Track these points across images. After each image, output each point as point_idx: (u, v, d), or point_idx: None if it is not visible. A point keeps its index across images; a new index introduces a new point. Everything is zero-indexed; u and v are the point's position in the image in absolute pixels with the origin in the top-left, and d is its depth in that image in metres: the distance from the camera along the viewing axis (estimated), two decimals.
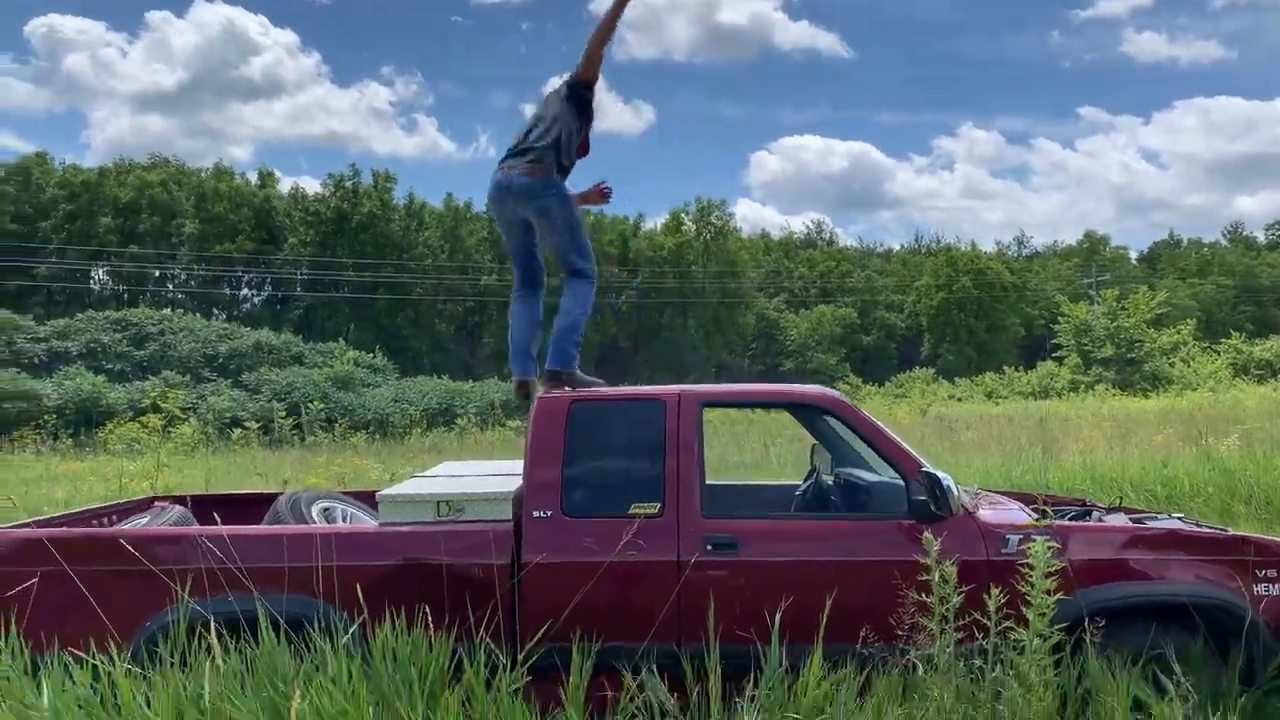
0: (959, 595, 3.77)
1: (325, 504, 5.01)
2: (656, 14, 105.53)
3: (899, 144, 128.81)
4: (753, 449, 15.72)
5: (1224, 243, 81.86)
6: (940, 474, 4.22)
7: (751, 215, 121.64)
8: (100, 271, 56.10)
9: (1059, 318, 51.78)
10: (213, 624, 3.67)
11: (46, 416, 24.74)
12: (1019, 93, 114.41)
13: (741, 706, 3.72)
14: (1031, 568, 3.86)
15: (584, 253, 5.29)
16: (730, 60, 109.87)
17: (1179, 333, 48.31)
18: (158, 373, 29.53)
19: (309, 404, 26.84)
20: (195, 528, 4.28)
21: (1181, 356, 46.06)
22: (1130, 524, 4.64)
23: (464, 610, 4.10)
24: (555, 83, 5.55)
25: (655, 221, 66.74)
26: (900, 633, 3.96)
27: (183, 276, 57.60)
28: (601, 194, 5.89)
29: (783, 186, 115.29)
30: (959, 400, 41.41)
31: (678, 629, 4.18)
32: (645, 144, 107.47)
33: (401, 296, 53.78)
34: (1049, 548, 3.88)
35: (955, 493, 4.21)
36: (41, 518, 4.83)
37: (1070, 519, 4.92)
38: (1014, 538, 4.30)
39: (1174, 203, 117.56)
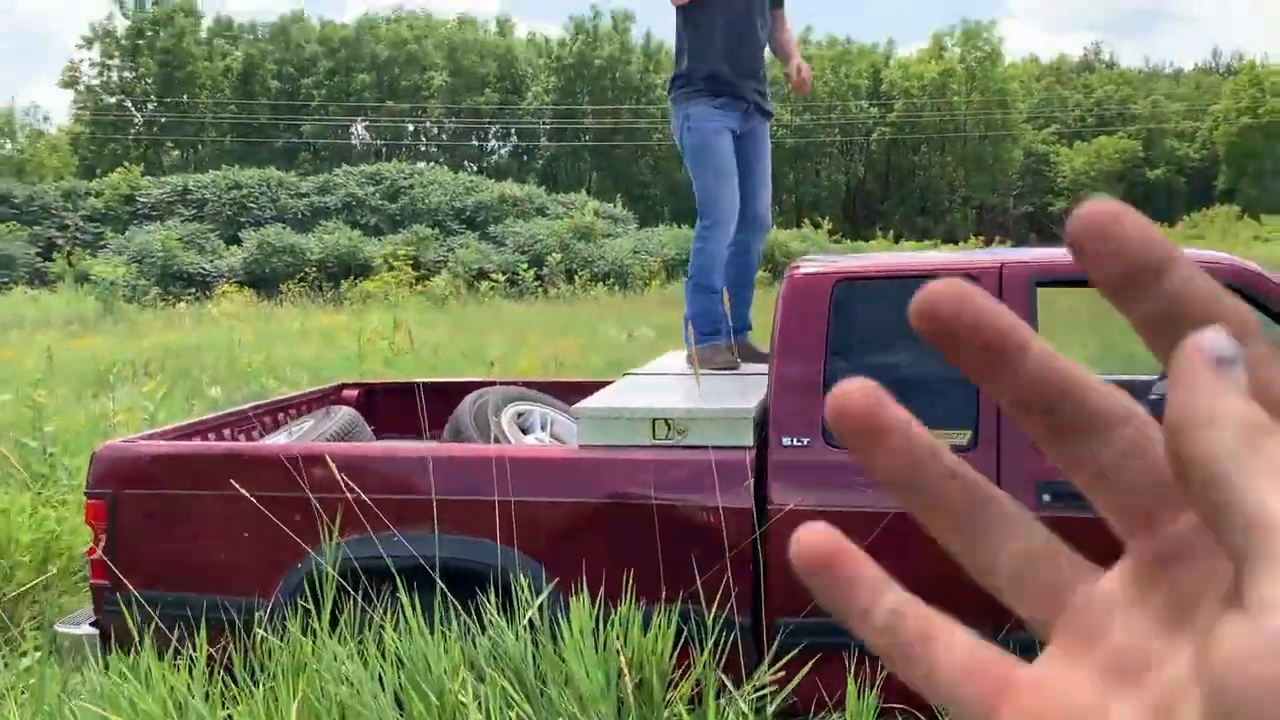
0: None
1: (520, 407, 3.98)
2: None
3: None
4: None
5: None
6: None
7: (1012, 38, 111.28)
8: (360, 127, 58.51)
9: None
10: (334, 579, 2.71)
11: (309, 269, 25.76)
12: None
13: None
14: None
15: (698, 196, 4.22)
16: None
17: None
18: (409, 226, 30.14)
19: (548, 256, 26.60)
20: (333, 445, 3.34)
21: None
22: None
23: (686, 570, 2.98)
24: None
25: (910, 49, 61.87)
26: None
27: (435, 130, 59.24)
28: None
29: (1050, 5, 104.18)
30: (1265, 241, 36.17)
31: (999, 607, 2.87)
32: None
33: (641, 143, 52.90)
34: None
35: None
36: (198, 419, 4.10)
37: None
38: None
39: None
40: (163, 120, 54.16)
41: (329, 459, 3.03)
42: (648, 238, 31.05)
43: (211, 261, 27.15)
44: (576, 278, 25.15)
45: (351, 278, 23.62)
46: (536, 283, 25.04)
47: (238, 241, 28.63)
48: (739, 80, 4.12)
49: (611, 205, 35.75)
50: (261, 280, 25.79)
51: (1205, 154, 61.18)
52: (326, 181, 33.25)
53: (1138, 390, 4.01)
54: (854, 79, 57.02)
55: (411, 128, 59.29)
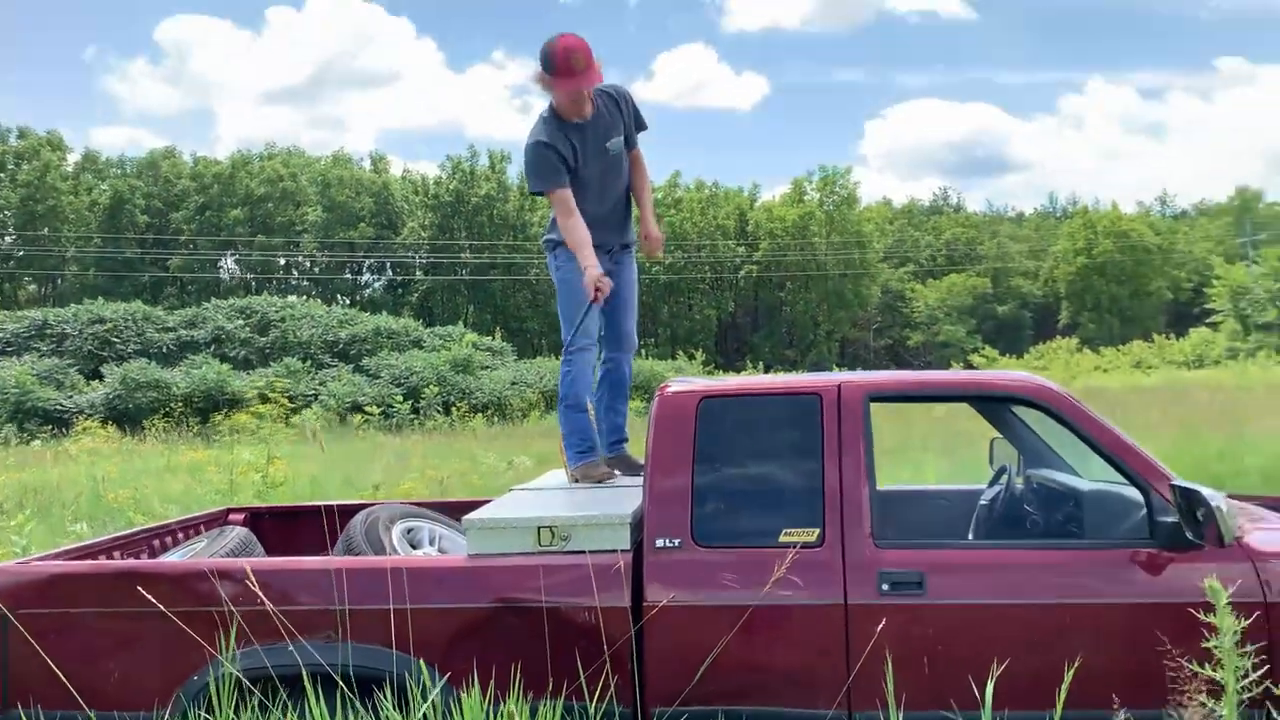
0: (1250, 657, 2.71)
1: (409, 524, 4.21)
2: None
3: (1023, 104, 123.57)
4: (891, 430, 14.46)
5: None
6: (1205, 491, 3.13)
7: (869, 183, 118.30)
8: (229, 261, 57.78)
9: (1213, 280, 48.28)
10: (246, 684, 2.88)
11: (174, 405, 25.10)
12: (1151, 45, 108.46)
13: None
14: None
15: (563, 326, 4.60)
16: (842, 26, 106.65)
17: None
18: (280, 359, 29.78)
19: (425, 388, 26.61)
20: (237, 561, 3.51)
21: None
22: None
23: (571, 665, 3.23)
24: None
25: (773, 193, 65.24)
26: (1157, 703, 2.94)
27: (307, 264, 58.95)
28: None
29: (901, 154, 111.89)
30: (1105, 371, 38.87)
31: (848, 692, 3.22)
32: (758, 115, 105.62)
33: (518, 277, 53.77)
34: None
35: (1227, 515, 3.11)
36: (86, 542, 4.18)
37: None
38: None
39: None
40: (19, 254, 52.46)
41: (248, 571, 3.21)
42: (526, 369, 31.39)
43: (70, 397, 26.19)
44: (454, 409, 25.18)
45: (221, 412, 23.09)
46: (412, 415, 24.94)
47: (99, 376, 27.75)
48: (602, 235, 4.52)
49: (490, 338, 36.07)
50: (124, 416, 24.98)
51: (1048, 291, 65.71)
52: (195, 315, 32.71)
53: (967, 498, 4.51)
54: (722, 220, 59.61)
55: (283, 261, 58.89)
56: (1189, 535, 3.17)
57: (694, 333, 56.36)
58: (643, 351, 40.04)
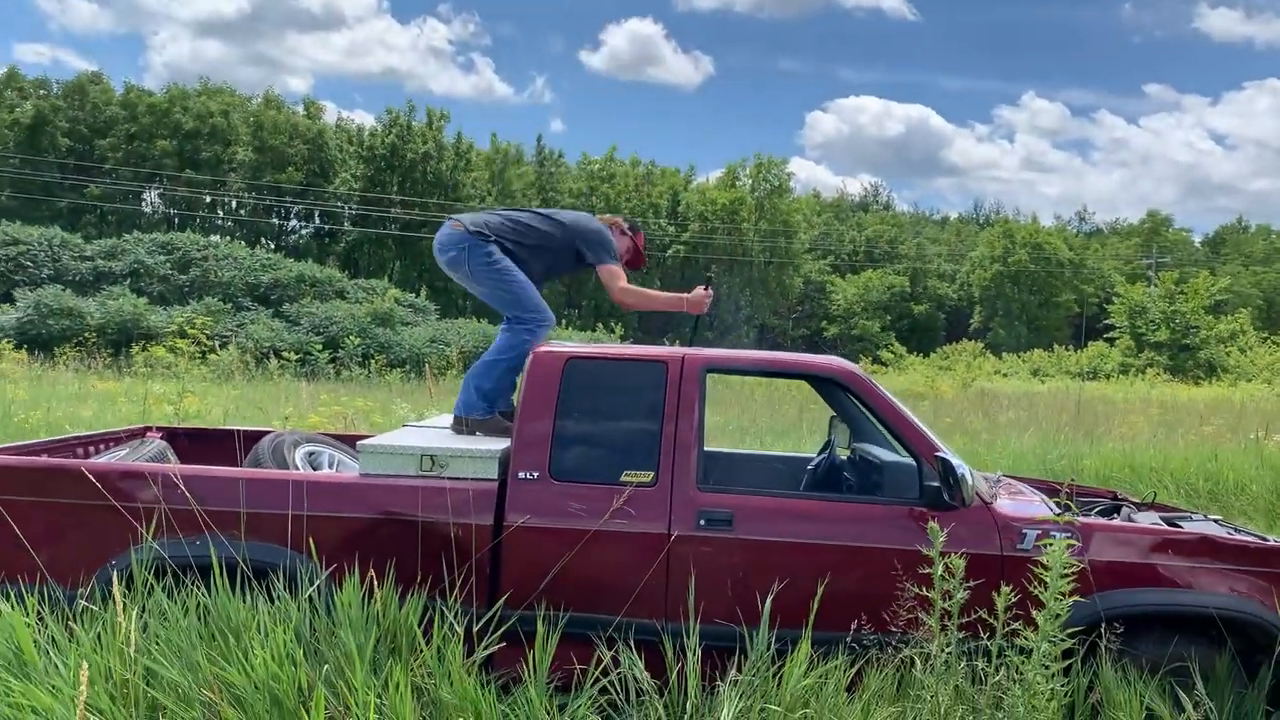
0: (964, 591, 3.50)
1: (311, 448, 4.81)
2: None
3: (959, 110, 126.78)
4: (786, 414, 15.41)
5: None
6: (955, 460, 3.92)
7: (804, 174, 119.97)
8: (153, 194, 56.64)
9: (1114, 298, 50.57)
10: (172, 567, 3.49)
11: (88, 335, 24.98)
12: (1085, 65, 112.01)
13: (722, 690, 3.49)
14: (1048, 566, 3.57)
15: (517, 304, 4.86)
16: (791, 15, 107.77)
17: (1237, 321, 46.93)
18: (199, 298, 29.67)
19: (346, 338, 26.82)
20: (162, 465, 4.10)
21: (1239, 345, 44.77)
22: (1161, 525, 4.32)
23: (439, 570, 3.90)
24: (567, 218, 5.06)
25: (708, 175, 66.01)
26: (899, 627, 3.71)
27: (233, 204, 58.08)
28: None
29: (838, 147, 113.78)
30: (1004, 376, 40.62)
31: (663, 605, 3.95)
32: (701, 96, 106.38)
33: None
34: (1068, 546, 3.59)
35: (970, 482, 3.91)
36: (21, 443, 4.69)
37: (1097, 514, 4.63)
38: (1031, 532, 4.00)
39: (1240, 187, 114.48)
40: None
41: (174, 475, 3.80)
42: (447, 329, 31.67)
43: None
44: (372, 362, 25.47)
45: (140, 345, 23.08)
46: (330, 365, 25.18)
47: (10, 300, 27.38)
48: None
49: (414, 295, 36.21)
50: (36, 341, 24.79)
51: (962, 295, 67.84)
52: (114, 246, 32.28)
53: (797, 465, 5.28)
54: (655, 198, 60.31)
55: (209, 199, 57.92)
56: (945, 497, 3.95)
57: (617, 307, 56.96)
58: (564, 323, 40.56)
